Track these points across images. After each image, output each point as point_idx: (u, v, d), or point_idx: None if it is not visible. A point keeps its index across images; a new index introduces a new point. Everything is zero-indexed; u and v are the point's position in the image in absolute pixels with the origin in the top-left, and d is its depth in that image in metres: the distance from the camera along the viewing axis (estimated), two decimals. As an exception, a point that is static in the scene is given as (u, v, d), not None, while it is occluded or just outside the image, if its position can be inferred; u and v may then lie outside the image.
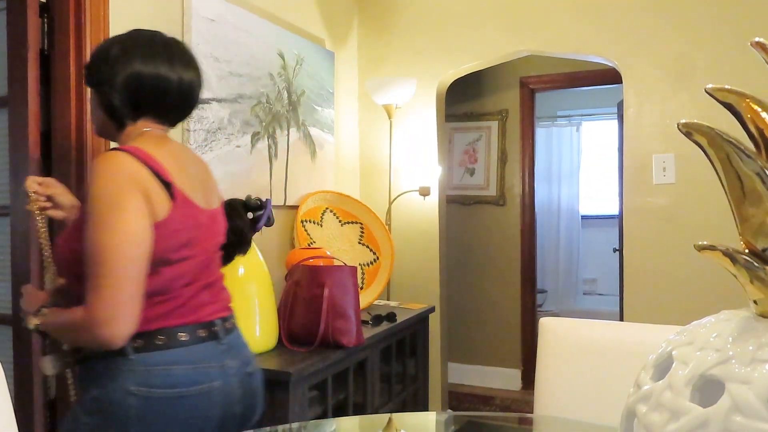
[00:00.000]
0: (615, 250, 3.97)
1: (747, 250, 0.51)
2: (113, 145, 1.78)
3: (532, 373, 1.46)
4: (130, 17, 1.84)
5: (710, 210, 2.42)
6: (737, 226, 0.52)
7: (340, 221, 2.69)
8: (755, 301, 0.52)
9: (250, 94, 2.28)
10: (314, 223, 2.59)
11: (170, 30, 1.96)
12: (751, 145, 0.51)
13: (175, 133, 1.99)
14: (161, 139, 1.30)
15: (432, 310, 2.72)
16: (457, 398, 3.83)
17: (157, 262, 1.14)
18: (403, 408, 2.45)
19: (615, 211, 4.26)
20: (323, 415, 1.91)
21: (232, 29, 2.18)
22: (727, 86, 0.51)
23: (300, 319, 1.94)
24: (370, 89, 2.80)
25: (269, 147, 2.40)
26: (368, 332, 2.13)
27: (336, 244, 2.63)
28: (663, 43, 2.51)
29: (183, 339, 1.19)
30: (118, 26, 1.80)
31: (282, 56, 2.47)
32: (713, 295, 2.39)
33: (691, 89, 2.47)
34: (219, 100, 2.12)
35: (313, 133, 2.68)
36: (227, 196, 2.02)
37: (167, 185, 1.17)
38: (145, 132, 1.27)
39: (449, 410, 3.22)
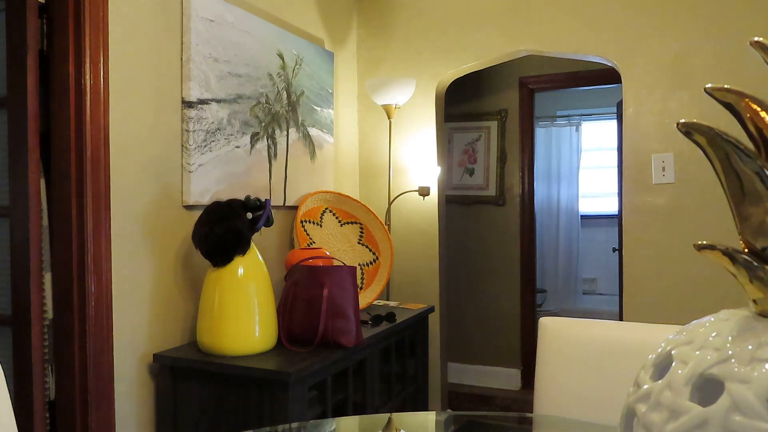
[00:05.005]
0: (614, 250, 3.97)
1: (746, 250, 0.51)
2: (112, 144, 1.78)
3: (532, 373, 1.46)
4: (130, 18, 1.84)
5: (710, 210, 2.42)
6: (737, 225, 0.52)
7: (339, 221, 2.69)
8: (755, 301, 0.52)
9: (250, 95, 2.28)
10: (314, 223, 2.59)
11: (169, 30, 1.97)
12: (750, 145, 0.51)
13: (174, 134, 1.99)
14: None
15: (431, 310, 2.72)
16: (457, 398, 3.83)
17: None
18: (403, 408, 2.45)
19: (614, 210, 4.27)
20: (323, 415, 1.91)
21: (231, 30, 2.18)
22: (726, 86, 0.51)
23: (299, 320, 1.94)
24: (370, 89, 2.80)
25: (268, 147, 2.40)
26: (368, 332, 2.13)
27: (335, 245, 2.63)
28: (662, 43, 2.51)
29: None
30: (117, 27, 1.80)
31: (281, 56, 2.47)
32: (713, 295, 2.39)
33: (691, 89, 2.47)
34: (218, 101, 2.12)
35: (313, 133, 2.68)
36: (227, 197, 2.03)
37: None
38: None
39: (449, 410, 3.22)
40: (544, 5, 2.72)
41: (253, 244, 1.91)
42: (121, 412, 1.81)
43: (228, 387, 1.78)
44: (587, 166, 5.96)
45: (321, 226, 2.62)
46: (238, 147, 2.22)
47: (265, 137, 2.38)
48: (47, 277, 1.77)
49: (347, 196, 2.71)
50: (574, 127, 5.84)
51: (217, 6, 2.12)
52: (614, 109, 4.56)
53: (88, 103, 1.71)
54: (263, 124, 2.36)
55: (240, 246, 1.86)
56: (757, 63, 2.18)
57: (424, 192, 2.88)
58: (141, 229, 1.88)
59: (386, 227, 2.73)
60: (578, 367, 1.30)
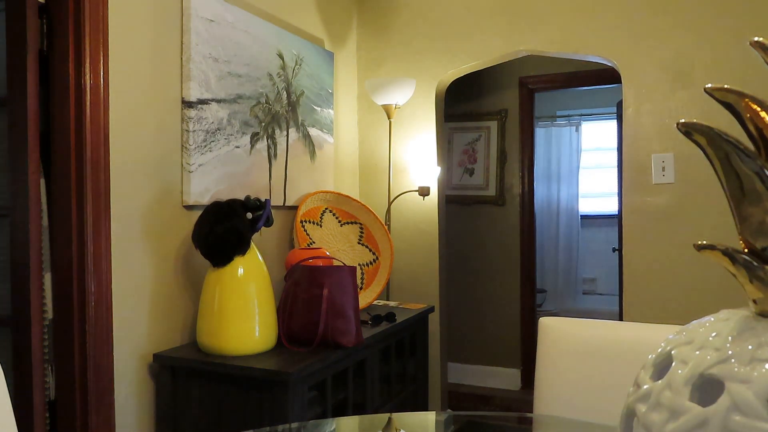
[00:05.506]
0: (614, 250, 3.97)
1: (746, 250, 0.51)
2: (112, 144, 1.78)
3: (532, 373, 1.46)
4: (130, 18, 1.84)
5: (710, 210, 2.42)
6: (736, 225, 0.52)
7: (339, 221, 2.69)
8: (755, 301, 0.52)
9: (250, 95, 2.28)
10: (314, 223, 2.59)
11: (169, 30, 1.97)
12: (750, 145, 0.51)
13: (174, 134, 1.99)
14: None
15: (431, 310, 2.72)
16: (457, 398, 3.83)
17: None
18: (403, 408, 2.45)
19: (614, 210, 4.27)
20: (323, 415, 1.91)
21: (231, 30, 2.18)
22: (726, 85, 0.51)
23: (299, 320, 1.94)
24: (370, 89, 2.80)
25: (268, 147, 2.40)
26: (368, 332, 2.13)
27: (335, 245, 2.63)
28: (662, 43, 2.51)
29: None
30: (117, 27, 1.80)
31: (281, 56, 2.47)
32: (713, 295, 2.39)
33: (691, 89, 2.47)
34: (218, 101, 2.12)
35: (313, 133, 2.68)
36: (227, 197, 2.03)
37: None
38: None
39: (449, 410, 3.22)
40: (544, 5, 2.72)
41: (253, 244, 1.91)
42: (121, 412, 1.81)
43: (228, 387, 1.78)
44: (587, 166, 5.96)
45: (321, 226, 2.62)
46: (238, 147, 2.22)
47: (265, 137, 2.38)
48: (47, 277, 1.77)
49: (347, 196, 2.71)
50: (574, 127, 5.84)
51: (217, 6, 2.12)
52: (614, 109, 4.56)
53: (88, 103, 1.71)
54: (263, 124, 2.36)
55: (240, 246, 1.86)
56: (757, 63, 2.18)
57: (424, 192, 2.88)
58: (141, 229, 1.88)
59: (386, 227, 2.73)
60: (578, 367, 1.30)
